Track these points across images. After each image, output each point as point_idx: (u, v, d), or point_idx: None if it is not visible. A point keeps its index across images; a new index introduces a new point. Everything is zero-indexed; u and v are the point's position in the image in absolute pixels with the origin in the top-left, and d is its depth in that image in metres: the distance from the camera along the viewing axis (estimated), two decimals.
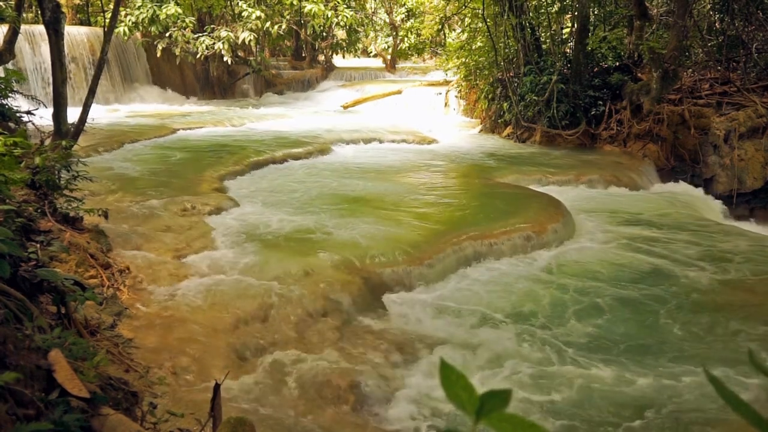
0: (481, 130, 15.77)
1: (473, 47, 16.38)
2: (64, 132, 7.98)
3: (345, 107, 19.47)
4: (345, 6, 21.87)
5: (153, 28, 18.91)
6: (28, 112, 7.27)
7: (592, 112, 13.27)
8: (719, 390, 0.69)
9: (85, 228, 5.74)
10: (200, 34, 19.87)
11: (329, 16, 20.99)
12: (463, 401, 0.68)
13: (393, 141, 13.80)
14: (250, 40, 20.06)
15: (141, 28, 18.85)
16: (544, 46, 15.22)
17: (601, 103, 13.22)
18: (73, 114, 8.63)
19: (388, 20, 27.94)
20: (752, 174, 11.51)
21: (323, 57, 26.87)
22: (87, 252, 5.09)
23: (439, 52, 23.81)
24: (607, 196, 9.87)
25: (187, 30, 19.58)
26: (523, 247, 7.12)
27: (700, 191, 11.21)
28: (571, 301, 5.92)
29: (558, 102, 13.27)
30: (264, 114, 17.56)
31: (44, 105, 8.85)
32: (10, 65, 11.27)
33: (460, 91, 18.03)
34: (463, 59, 16.66)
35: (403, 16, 26.70)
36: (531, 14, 15.00)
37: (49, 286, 3.09)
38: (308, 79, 25.19)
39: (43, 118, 8.25)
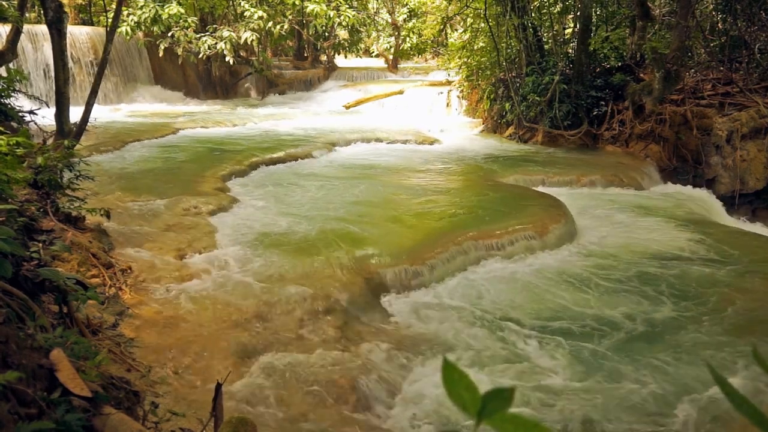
0: (482, 131, 15.77)
1: (475, 47, 16.38)
2: (66, 132, 8.00)
3: (347, 107, 19.46)
4: (347, 6, 21.87)
5: (155, 28, 18.94)
6: (31, 112, 7.28)
7: (594, 113, 13.26)
8: (723, 387, 0.68)
9: (87, 227, 5.75)
10: (202, 34, 19.88)
11: (331, 16, 20.99)
12: (465, 401, 0.68)
13: (395, 141, 13.81)
14: (252, 40, 20.07)
15: (143, 27, 18.87)
16: (546, 47, 15.21)
17: (603, 103, 13.21)
18: (75, 113, 8.64)
19: (390, 20, 27.94)
20: (755, 174, 11.49)
21: (325, 57, 26.87)
22: (89, 251, 5.10)
23: (441, 52, 23.79)
24: (608, 197, 9.85)
25: (189, 30, 19.59)
26: (524, 248, 7.11)
27: (702, 192, 11.18)
28: (574, 300, 5.92)
29: (560, 102, 13.26)
30: (266, 114, 17.57)
31: (46, 105, 8.87)
32: (12, 65, 11.28)
33: (462, 91, 18.02)
34: (465, 59, 16.66)
35: (405, 16, 26.70)
36: (533, 14, 14.99)
37: (51, 285, 3.09)
38: (310, 79, 25.19)
39: (46, 117, 8.26)
